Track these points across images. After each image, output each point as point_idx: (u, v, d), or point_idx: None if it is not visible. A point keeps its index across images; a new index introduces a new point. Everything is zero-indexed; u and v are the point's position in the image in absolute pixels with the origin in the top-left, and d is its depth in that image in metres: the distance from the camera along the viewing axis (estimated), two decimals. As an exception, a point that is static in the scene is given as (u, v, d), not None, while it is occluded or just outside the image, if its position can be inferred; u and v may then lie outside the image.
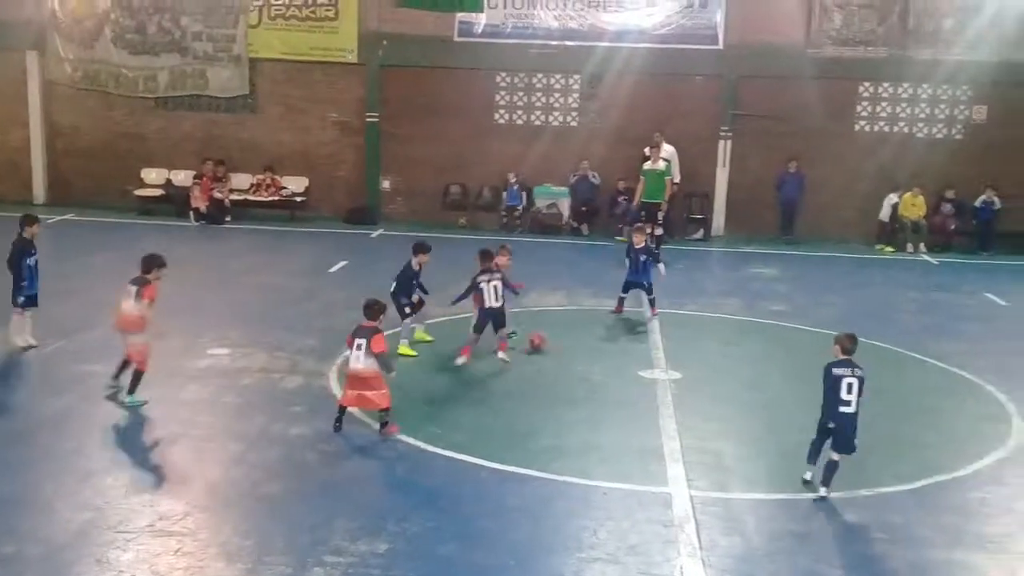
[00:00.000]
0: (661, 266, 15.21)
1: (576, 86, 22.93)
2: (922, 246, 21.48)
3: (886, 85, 22.16)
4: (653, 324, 14.10)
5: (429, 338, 12.75)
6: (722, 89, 22.29)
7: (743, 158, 22.34)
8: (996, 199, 21.36)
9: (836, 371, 8.46)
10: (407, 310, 12.29)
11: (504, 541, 7.52)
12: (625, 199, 21.55)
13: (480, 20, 22.42)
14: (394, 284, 12.27)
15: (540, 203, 22.80)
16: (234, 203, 22.57)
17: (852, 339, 8.62)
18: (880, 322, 14.65)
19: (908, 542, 7.77)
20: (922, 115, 22.20)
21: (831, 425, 8.46)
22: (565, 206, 22.63)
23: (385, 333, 9.76)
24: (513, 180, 22.52)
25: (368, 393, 9.42)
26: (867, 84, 22.19)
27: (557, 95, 23.03)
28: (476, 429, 9.97)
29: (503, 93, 23.11)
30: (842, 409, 8.39)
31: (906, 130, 22.23)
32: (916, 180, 21.56)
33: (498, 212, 22.89)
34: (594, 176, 22.44)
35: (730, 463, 9.32)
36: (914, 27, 21.62)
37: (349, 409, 9.64)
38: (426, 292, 12.57)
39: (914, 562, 7.47)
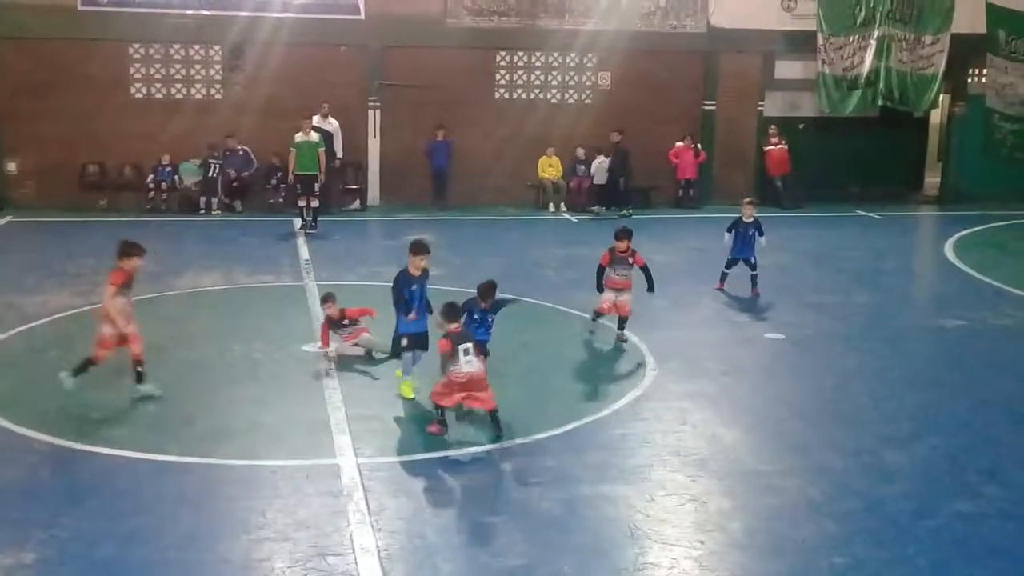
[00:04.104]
0: (763, 239, 15.05)
1: (218, 57, 22.16)
2: (563, 205, 22.91)
3: (521, 54, 23.32)
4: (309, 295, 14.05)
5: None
6: (367, 59, 22.43)
7: (393, 127, 22.64)
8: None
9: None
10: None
11: (165, 534, 7.25)
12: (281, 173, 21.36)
13: (107, -12, 21.08)
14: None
15: (188, 180, 21.87)
16: None
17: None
18: (529, 280, 15.51)
19: (560, 483, 8.35)
20: (555, 82, 23.61)
21: None
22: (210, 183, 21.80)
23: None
24: (166, 161, 21.52)
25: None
26: (503, 53, 23.23)
27: (198, 67, 22.14)
28: (131, 421, 9.51)
29: (138, 65, 21.87)
30: None
31: (542, 96, 23.54)
32: (553, 143, 22.91)
33: (144, 191, 21.70)
34: (242, 150, 21.84)
35: (394, 427, 9.54)
36: (542, -2, 22.88)
37: None
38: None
39: (566, 500, 8.03)
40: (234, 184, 21.82)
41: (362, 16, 22.14)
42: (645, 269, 12.39)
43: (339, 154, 21.73)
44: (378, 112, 22.61)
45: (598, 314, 12.54)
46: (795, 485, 8.44)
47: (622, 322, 12.39)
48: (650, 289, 12.43)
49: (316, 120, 20.78)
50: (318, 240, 18.83)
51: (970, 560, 7.20)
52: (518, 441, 9.13)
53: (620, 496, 8.17)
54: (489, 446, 8.99)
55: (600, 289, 12.44)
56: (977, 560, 7.21)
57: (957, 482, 8.50)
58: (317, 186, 19.75)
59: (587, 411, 9.99)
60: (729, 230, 15.08)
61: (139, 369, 9.94)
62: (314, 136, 19.94)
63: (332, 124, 21.47)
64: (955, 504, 8.06)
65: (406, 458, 8.80)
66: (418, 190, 22.71)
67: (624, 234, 12.40)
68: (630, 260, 12.34)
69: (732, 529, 7.67)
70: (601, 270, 12.40)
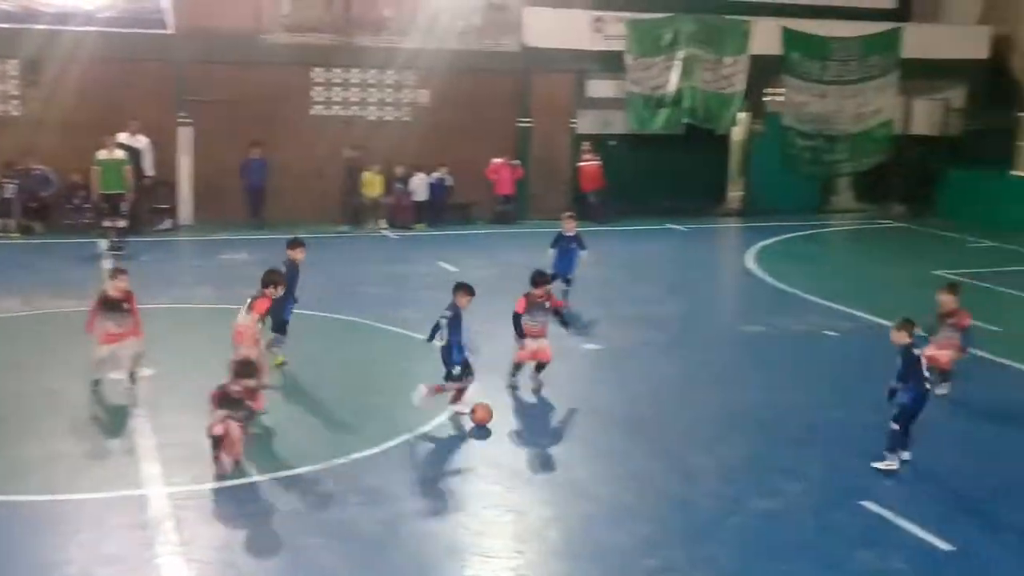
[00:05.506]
0: (584, 253, 14.86)
1: (15, 72, 21.00)
2: (383, 222, 22.84)
3: (337, 70, 23.14)
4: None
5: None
6: (176, 75, 21.73)
7: (207, 144, 21.96)
8: (448, 176, 23.34)
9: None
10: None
11: (-44, 579, 6.80)
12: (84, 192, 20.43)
13: None
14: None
15: (-19, 201, 20.60)
16: None
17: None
18: (349, 297, 15.38)
19: (381, 501, 8.30)
20: (373, 99, 23.53)
21: None
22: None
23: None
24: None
25: None
26: (319, 69, 22.99)
27: (-7, 82, 20.96)
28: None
29: (-74, 80, 20.52)
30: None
31: (360, 113, 23.42)
32: (373, 160, 22.80)
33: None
34: (39, 170, 20.74)
35: (207, 454, 9.22)
36: (357, 15, 22.78)
37: None
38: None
39: (387, 519, 8.00)
40: (32, 205, 20.70)
41: (170, 30, 21.46)
42: (558, 312, 11.83)
43: (149, 172, 20.94)
44: (190, 129, 21.93)
45: (517, 366, 11.55)
46: (609, 492, 8.68)
47: (541, 366, 11.56)
48: (563, 324, 11.98)
49: (124, 137, 19.98)
50: (125, 262, 17.93)
51: (774, 555, 7.58)
52: (337, 461, 9.02)
53: (441, 511, 8.22)
54: (306, 468, 8.83)
55: (521, 336, 11.40)
56: (781, 555, 7.60)
57: (759, 481, 8.94)
58: (124, 205, 18.99)
59: (406, 427, 9.96)
60: (553, 245, 15.18)
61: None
62: (118, 153, 19.16)
63: (141, 141, 20.68)
64: (758, 502, 8.47)
65: (220, 485, 8.53)
66: (234, 208, 22.13)
67: (542, 278, 11.56)
68: (547, 304, 11.54)
69: (550, 537, 7.81)
70: (518, 318, 11.36)
